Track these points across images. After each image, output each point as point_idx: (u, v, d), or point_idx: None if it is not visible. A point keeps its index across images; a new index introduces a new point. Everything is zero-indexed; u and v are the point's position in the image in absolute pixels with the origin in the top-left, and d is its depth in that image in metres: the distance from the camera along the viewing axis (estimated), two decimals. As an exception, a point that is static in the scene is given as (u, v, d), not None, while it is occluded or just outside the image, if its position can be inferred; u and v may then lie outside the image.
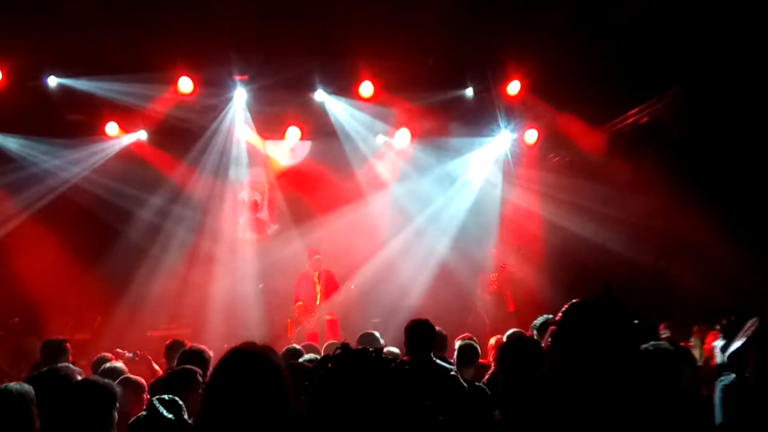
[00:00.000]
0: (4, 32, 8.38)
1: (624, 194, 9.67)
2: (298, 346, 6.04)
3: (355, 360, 1.84)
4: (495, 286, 10.90)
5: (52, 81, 9.61)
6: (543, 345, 3.92)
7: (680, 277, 9.12)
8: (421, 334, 4.74)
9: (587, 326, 2.37)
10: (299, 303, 10.23)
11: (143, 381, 4.97)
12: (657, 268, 9.76)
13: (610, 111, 9.87)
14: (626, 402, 2.27)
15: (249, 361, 2.24)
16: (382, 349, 1.96)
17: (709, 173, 8.85)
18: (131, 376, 5.03)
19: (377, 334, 6.48)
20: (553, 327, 2.54)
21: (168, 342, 6.32)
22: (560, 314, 2.50)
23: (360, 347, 1.93)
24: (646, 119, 9.45)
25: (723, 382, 4.13)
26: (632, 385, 2.35)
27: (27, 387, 3.56)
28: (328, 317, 10.33)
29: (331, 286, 10.51)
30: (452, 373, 4.75)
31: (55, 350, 5.95)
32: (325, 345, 7.09)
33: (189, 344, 5.68)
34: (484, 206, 11.86)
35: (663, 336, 7.03)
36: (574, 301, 2.52)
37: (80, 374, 4.44)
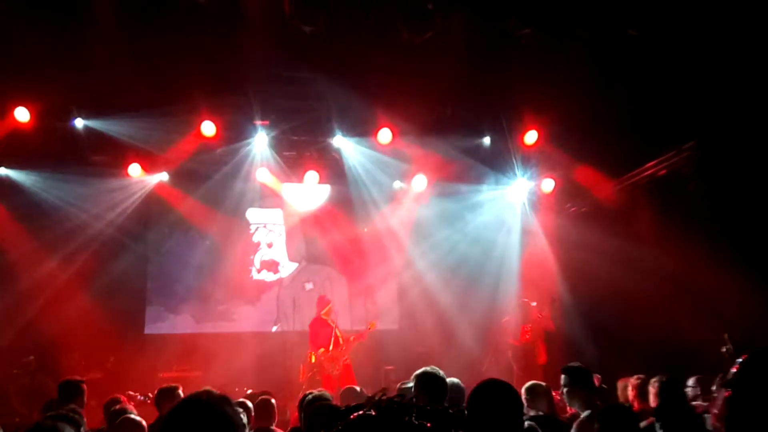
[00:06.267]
0: (32, 73, 8.59)
1: (641, 246, 9.58)
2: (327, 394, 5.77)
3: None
4: (528, 337, 10.58)
5: (79, 123, 9.82)
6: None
7: (699, 330, 8.97)
8: (433, 385, 4.44)
9: None
10: (321, 350, 10.10)
11: (143, 423, 4.94)
12: (675, 320, 9.61)
13: (626, 163, 9.84)
14: None
15: (202, 410, 2.17)
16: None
17: (727, 227, 8.77)
18: (132, 415, 4.99)
19: (358, 388, 6.24)
20: (728, 391, 1.73)
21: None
22: (737, 369, 1.75)
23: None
24: (663, 172, 9.41)
25: None
26: None
27: None
28: (346, 360, 10.24)
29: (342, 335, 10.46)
30: None
31: (71, 390, 5.98)
32: (341, 391, 6.91)
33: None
34: (502, 254, 11.81)
35: (690, 391, 6.83)
36: (755, 351, 1.72)
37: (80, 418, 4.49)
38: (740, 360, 1.72)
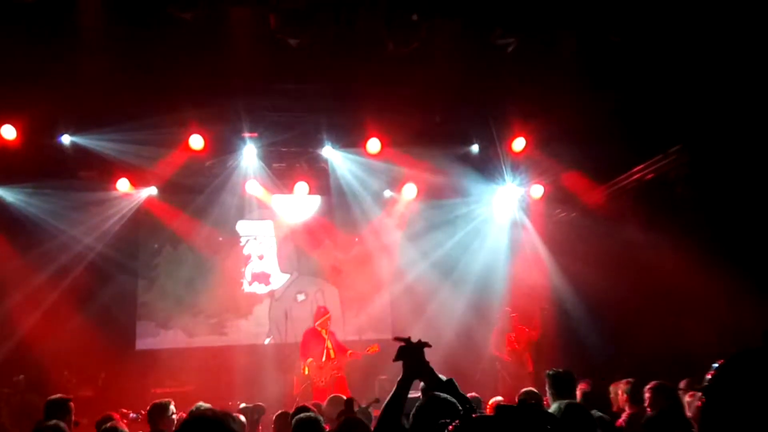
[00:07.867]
0: (18, 90, 8.54)
1: (631, 251, 9.62)
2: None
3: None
4: (515, 346, 10.62)
5: (66, 139, 9.74)
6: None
7: (689, 334, 9.00)
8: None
9: (760, 389, 1.51)
10: (310, 360, 10.06)
11: None
12: (665, 324, 9.64)
13: (614, 168, 9.89)
14: None
15: (208, 427, 2.27)
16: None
17: (715, 230, 8.81)
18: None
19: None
20: (702, 396, 1.67)
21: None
22: (712, 374, 1.67)
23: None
24: (651, 176, 9.46)
25: None
26: None
27: None
28: (337, 373, 10.19)
29: (338, 345, 10.42)
30: None
31: (58, 409, 5.93)
32: (328, 398, 6.85)
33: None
34: (492, 260, 11.81)
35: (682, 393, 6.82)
36: (731, 356, 1.65)
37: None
38: (715, 365, 1.64)
